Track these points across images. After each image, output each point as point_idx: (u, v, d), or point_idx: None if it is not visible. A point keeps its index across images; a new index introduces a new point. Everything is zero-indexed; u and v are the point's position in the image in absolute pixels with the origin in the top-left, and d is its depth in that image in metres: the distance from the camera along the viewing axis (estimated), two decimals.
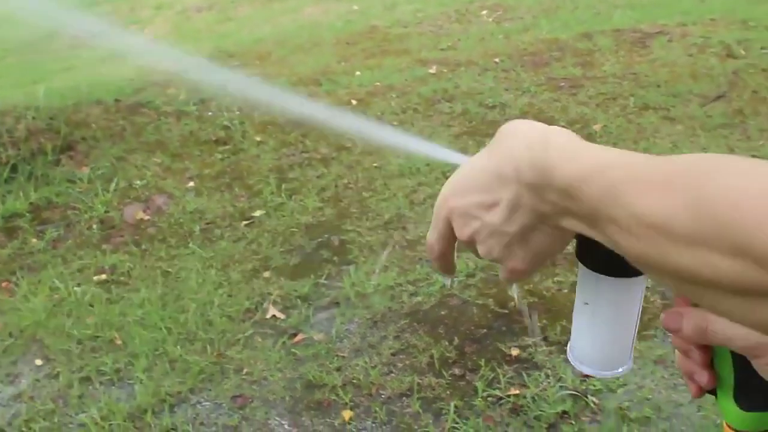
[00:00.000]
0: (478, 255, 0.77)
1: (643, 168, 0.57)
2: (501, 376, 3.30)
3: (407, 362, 3.45)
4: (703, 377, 0.78)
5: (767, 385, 0.74)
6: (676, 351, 0.81)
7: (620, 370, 0.84)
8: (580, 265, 0.79)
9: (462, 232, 0.76)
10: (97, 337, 3.75)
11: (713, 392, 0.80)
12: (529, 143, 0.69)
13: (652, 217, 0.53)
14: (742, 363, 0.76)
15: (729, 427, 0.78)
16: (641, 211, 0.54)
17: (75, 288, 4.11)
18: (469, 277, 3.93)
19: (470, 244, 0.77)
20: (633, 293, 0.80)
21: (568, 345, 0.86)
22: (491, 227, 0.73)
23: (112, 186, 5.03)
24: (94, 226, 4.72)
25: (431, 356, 3.45)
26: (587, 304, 0.81)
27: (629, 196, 0.56)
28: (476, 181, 0.74)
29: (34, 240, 4.62)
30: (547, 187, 0.66)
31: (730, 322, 0.64)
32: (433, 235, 0.81)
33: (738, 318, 0.53)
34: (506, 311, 3.69)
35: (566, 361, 3.10)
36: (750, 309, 0.51)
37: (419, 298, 3.83)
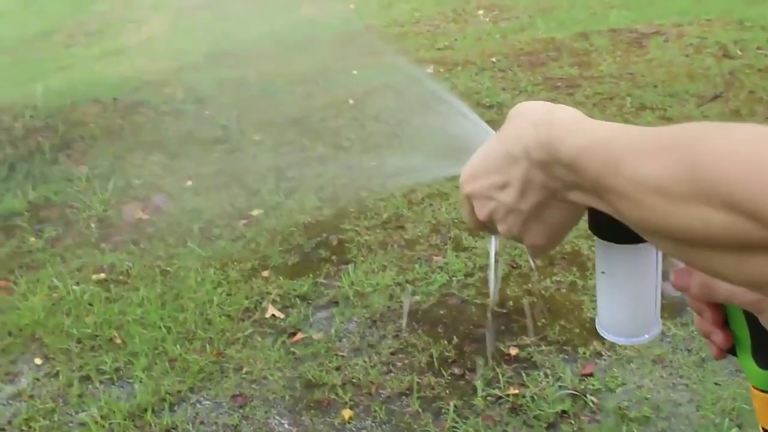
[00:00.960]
0: (502, 233, 0.82)
1: (640, 138, 0.60)
2: (500, 376, 3.31)
3: (406, 361, 3.46)
4: (718, 337, 0.80)
5: None
6: (694, 313, 0.83)
7: (647, 335, 0.87)
8: (595, 237, 0.82)
9: (481, 212, 0.81)
10: (97, 336, 3.75)
11: (735, 353, 0.81)
12: (535, 121, 0.72)
13: (649, 181, 0.57)
14: (755, 321, 0.76)
15: (755, 388, 0.78)
16: (638, 177, 0.58)
17: (74, 287, 4.11)
18: (468, 277, 3.94)
19: (491, 223, 0.82)
20: (645, 258, 0.82)
21: (596, 318, 0.89)
22: (506, 206, 0.77)
23: (111, 185, 5.03)
24: (93, 225, 4.72)
25: (430, 355, 3.46)
26: (604, 273, 0.84)
27: (627, 165, 0.59)
28: (489, 164, 0.78)
29: (33, 239, 4.62)
30: (554, 162, 0.69)
31: None
32: (464, 213, 0.86)
33: (730, 275, 0.56)
34: (505, 311, 3.70)
35: (565, 361, 3.10)
36: (741, 264, 0.54)
37: (418, 298, 3.84)
